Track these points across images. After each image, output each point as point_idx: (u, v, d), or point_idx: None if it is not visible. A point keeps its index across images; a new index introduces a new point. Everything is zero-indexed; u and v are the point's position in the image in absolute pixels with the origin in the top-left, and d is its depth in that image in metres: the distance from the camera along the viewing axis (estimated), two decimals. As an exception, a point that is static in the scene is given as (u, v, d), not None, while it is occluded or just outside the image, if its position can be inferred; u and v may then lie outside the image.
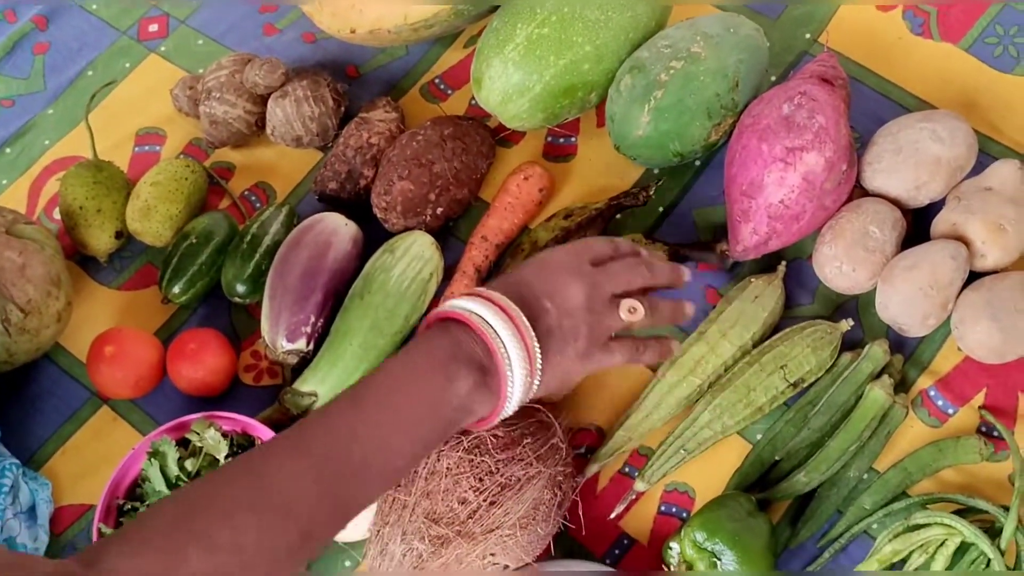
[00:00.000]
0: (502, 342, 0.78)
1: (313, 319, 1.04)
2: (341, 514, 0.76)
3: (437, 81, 1.21)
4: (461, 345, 0.79)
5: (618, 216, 1.08)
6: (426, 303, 1.06)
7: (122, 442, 1.06)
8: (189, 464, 0.97)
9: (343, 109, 1.17)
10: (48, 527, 1.02)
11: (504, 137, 1.15)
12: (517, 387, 0.80)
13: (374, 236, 1.09)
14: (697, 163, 1.11)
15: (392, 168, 1.07)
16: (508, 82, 1.06)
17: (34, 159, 1.24)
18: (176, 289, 1.08)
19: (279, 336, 1.04)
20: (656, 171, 1.11)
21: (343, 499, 0.75)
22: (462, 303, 0.81)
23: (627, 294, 0.86)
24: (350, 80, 1.22)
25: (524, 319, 0.80)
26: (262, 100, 1.16)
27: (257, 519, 0.71)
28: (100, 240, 1.13)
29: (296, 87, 1.14)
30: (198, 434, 0.98)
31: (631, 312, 0.84)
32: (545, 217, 1.09)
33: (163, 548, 0.69)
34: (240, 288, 1.07)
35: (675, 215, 1.09)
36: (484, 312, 0.79)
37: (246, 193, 1.18)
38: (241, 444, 0.99)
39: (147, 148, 1.23)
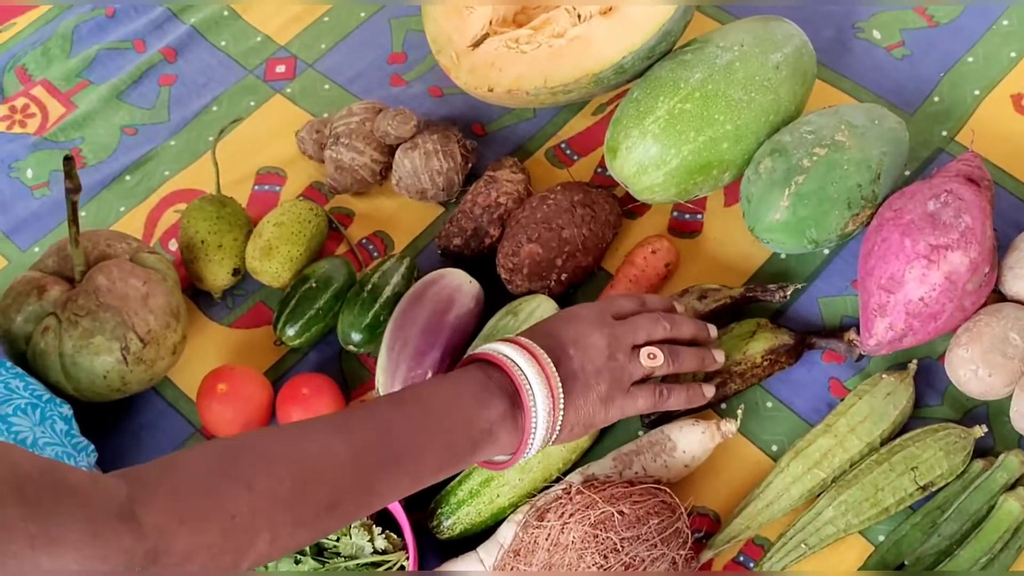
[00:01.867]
0: (528, 381, 0.85)
1: (430, 375, 1.03)
2: (367, 498, 0.80)
3: (563, 146, 1.21)
4: (493, 379, 0.86)
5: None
6: (542, 369, 1.05)
7: (223, 481, 1.04)
8: (298, 511, 0.96)
9: (470, 166, 1.17)
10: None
11: (631, 208, 1.14)
12: (541, 424, 0.85)
13: (493, 296, 1.08)
14: (826, 252, 1.09)
15: (521, 230, 1.06)
16: (645, 154, 1.05)
17: (153, 188, 1.25)
18: (291, 332, 1.08)
19: (394, 390, 1.02)
20: (783, 255, 1.10)
21: (372, 485, 0.80)
22: (495, 346, 0.88)
23: (649, 343, 0.92)
24: (476, 138, 1.21)
25: (549, 361, 0.86)
26: (390, 150, 1.16)
27: (293, 474, 0.75)
28: (218, 276, 1.13)
29: (427, 140, 1.14)
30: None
31: (651, 357, 0.91)
32: (670, 292, 1.07)
33: (204, 483, 0.72)
34: (356, 336, 1.06)
35: (800, 302, 1.07)
36: (514, 354, 0.86)
37: (364, 241, 1.18)
38: (350, 496, 0.98)
39: (267, 187, 1.23)
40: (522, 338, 0.88)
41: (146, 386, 1.06)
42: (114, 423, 1.09)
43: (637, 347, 0.92)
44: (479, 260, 1.11)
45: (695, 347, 0.96)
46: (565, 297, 1.09)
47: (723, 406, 1.02)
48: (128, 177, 1.26)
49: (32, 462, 0.67)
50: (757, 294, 1.06)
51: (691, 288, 1.06)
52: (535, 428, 0.85)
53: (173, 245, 1.20)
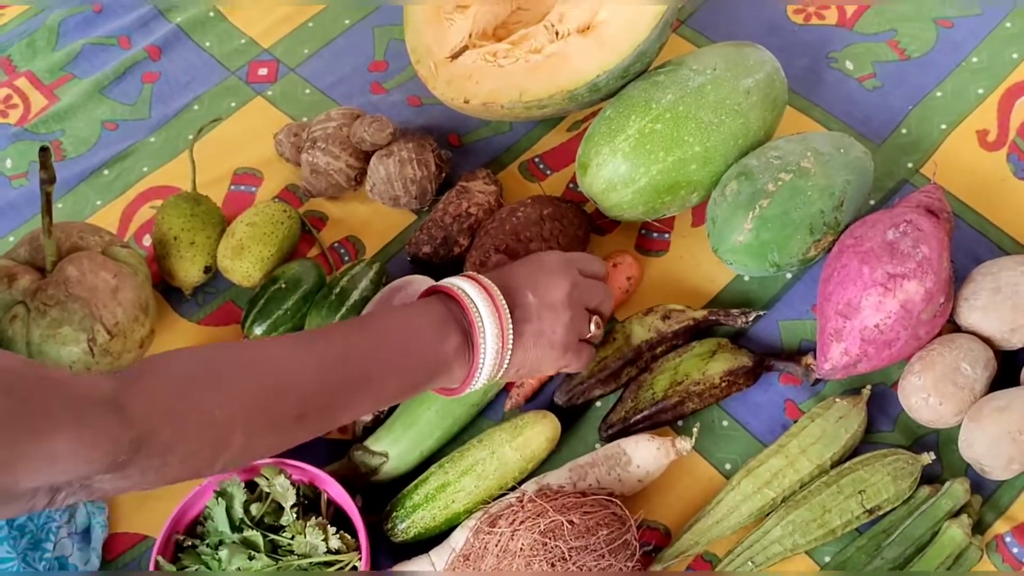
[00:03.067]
0: (481, 319, 0.88)
1: (392, 379, 1.04)
2: (331, 413, 0.84)
3: (537, 160, 1.22)
4: (452, 313, 0.89)
5: (705, 318, 1.09)
6: (505, 377, 1.06)
7: (184, 476, 1.05)
8: (254, 508, 0.97)
9: (444, 176, 1.18)
10: (101, 551, 1.02)
11: (600, 224, 1.15)
12: (488, 361, 0.89)
13: (460, 304, 1.10)
14: (788, 276, 1.11)
15: (489, 240, 1.08)
16: (615, 171, 1.07)
17: (130, 184, 1.26)
18: (258, 331, 1.09)
19: (357, 392, 1.03)
20: (746, 278, 1.12)
21: (335, 400, 0.84)
22: (458, 282, 0.91)
23: (598, 311, 0.97)
24: (452, 148, 1.23)
25: (504, 303, 0.90)
26: (365, 156, 1.18)
27: (265, 379, 0.80)
28: (189, 272, 1.14)
29: (402, 148, 1.15)
30: (267, 479, 0.98)
31: (596, 327, 0.96)
32: (635, 309, 1.09)
33: (184, 383, 0.76)
34: (322, 338, 1.07)
35: (761, 325, 1.09)
36: (472, 291, 0.89)
37: (336, 245, 1.19)
38: (307, 495, 0.99)
39: (243, 188, 1.24)
40: (483, 277, 0.91)
41: (111, 378, 1.07)
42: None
43: (589, 310, 0.96)
44: (447, 268, 1.12)
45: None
46: (530, 309, 1.10)
47: (680, 423, 1.04)
48: (106, 171, 1.27)
49: (13, 359, 0.71)
50: (720, 318, 1.07)
51: (656, 307, 1.07)
52: (482, 365, 0.89)
53: (147, 241, 1.21)
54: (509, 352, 0.90)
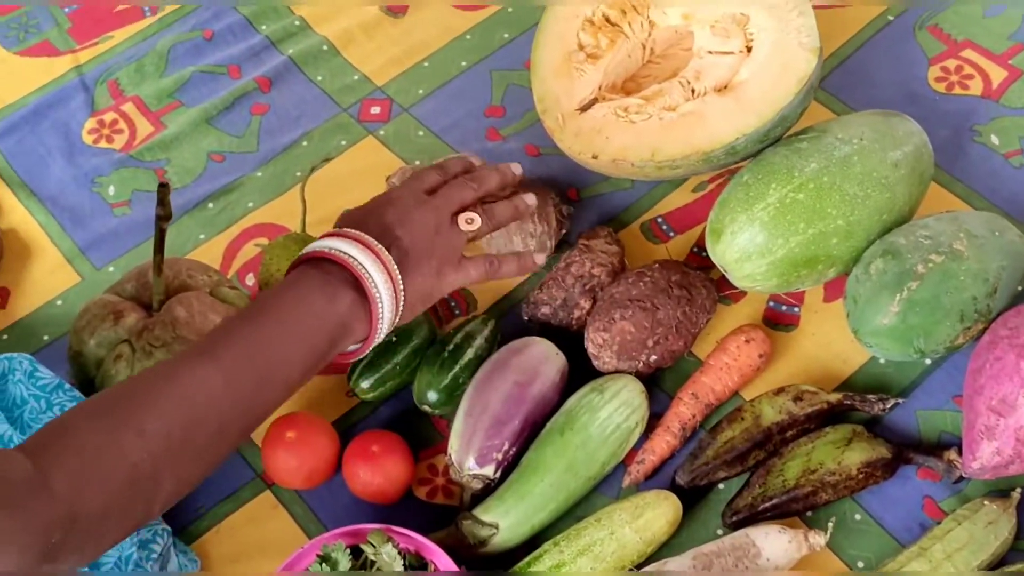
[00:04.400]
0: (366, 270, 0.87)
1: (507, 447, 0.99)
2: (248, 420, 0.84)
3: (660, 220, 1.17)
4: (333, 275, 0.87)
5: (837, 401, 1.03)
6: (624, 452, 1.01)
7: (279, 532, 1.01)
8: (359, 577, 0.92)
9: (564, 232, 1.13)
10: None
11: (725, 294, 1.10)
12: (386, 308, 0.88)
13: (576, 370, 1.04)
14: (928, 362, 1.05)
15: (615, 305, 1.02)
16: (751, 241, 1.01)
17: (235, 219, 1.22)
18: (365, 384, 1.04)
19: (468, 457, 0.98)
20: (883, 361, 1.05)
21: (250, 405, 0.83)
22: (326, 243, 0.89)
23: (463, 209, 0.97)
24: (570, 202, 1.18)
25: (382, 248, 0.89)
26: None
27: (179, 411, 0.78)
28: (294, 317, 1.09)
29: (523, 201, 1.10)
30: (374, 547, 0.93)
31: (468, 223, 0.96)
32: (761, 387, 1.03)
33: (100, 437, 0.74)
34: (432, 397, 1.03)
35: (897, 412, 1.02)
36: (347, 247, 0.88)
37: (446, 297, 1.14)
38: (413, 564, 0.94)
39: (351, 230, 1.19)
40: (349, 230, 0.90)
41: (212, 425, 1.03)
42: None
43: (455, 215, 0.96)
44: (565, 331, 1.07)
45: (506, 199, 1.01)
46: (651, 380, 1.04)
47: (809, 514, 0.97)
48: (211, 204, 1.23)
49: None
50: (855, 403, 1.01)
51: (787, 388, 1.01)
52: (382, 313, 0.88)
53: (250, 280, 1.17)
54: (403, 294, 0.90)
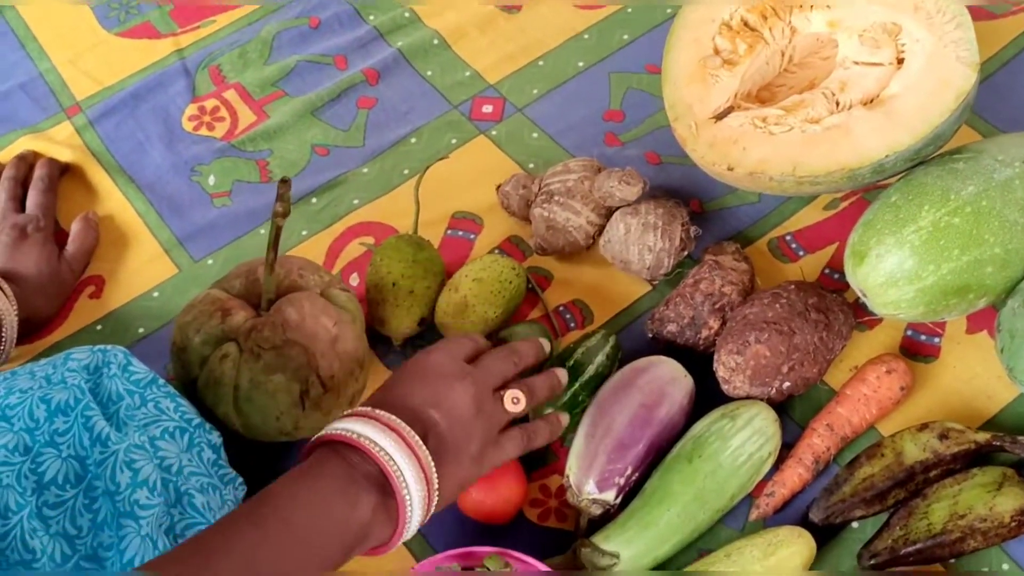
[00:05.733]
0: (398, 466, 0.77)
1: (630, 471, 0.93)
2: None
3: (789, 238, 1.11)
4: (356, 468, 0.77)
5: (983, 440, 0.96)
6: (754, 484, 0.94)
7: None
8: (474, 604, 0.86)
9: (686, 253, 1.07)
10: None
11: (861, 321, 1.03)
12: (416, 509, 0.78)
13: (702, 394, 0.98)
14: (1081, 403, 0.98)
15: (749, 327, 0.96)
16: (899, 266, 0.94)
17: (339, 216, 1.17)
18: (477, 397, 0.98)
19: (588, 481, 0.93)
20: (1031, 400, 0.99)
21: None
22: (352, 426, 0.78)
23: (504, 384, 0.87)
24: (693, 215, 1.11)
25: (416, 437, 0.78)
26: (608, 213, 1.07)
27: None
28: (403, 323, 1.04)
29: (650, 211, 1.04)
30: (488, 570, 0.87)
31: (515, 403, 0.86)
32: (899, 421, 0.97)
33: None
34: (550, 415, 0.97)
35: (1046, 456, 0.96)
36: (376, 436, 0.77)
37: (561, 308, 1.08)
38: (529, 594, 0.88)
39: (460, 234, 1.14)
40: (380, 412, 0.79)
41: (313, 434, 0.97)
42: (268, 467, 1.00)
43: (496, 391, 0.86)
44: (691, 352, 1.01)
45: (541, 376, 0.92)
46: (780, 408, 0.98)
47: (953, 561, 0.91)
48: (315, 199, 1.18)
49: None
50: (1005, 444, 0.94)
51: (931, 424, 0.94)
52: (410, 517, 0.78)
53: (355, 279, 1.12)
54: (437, 492, 0.80)
